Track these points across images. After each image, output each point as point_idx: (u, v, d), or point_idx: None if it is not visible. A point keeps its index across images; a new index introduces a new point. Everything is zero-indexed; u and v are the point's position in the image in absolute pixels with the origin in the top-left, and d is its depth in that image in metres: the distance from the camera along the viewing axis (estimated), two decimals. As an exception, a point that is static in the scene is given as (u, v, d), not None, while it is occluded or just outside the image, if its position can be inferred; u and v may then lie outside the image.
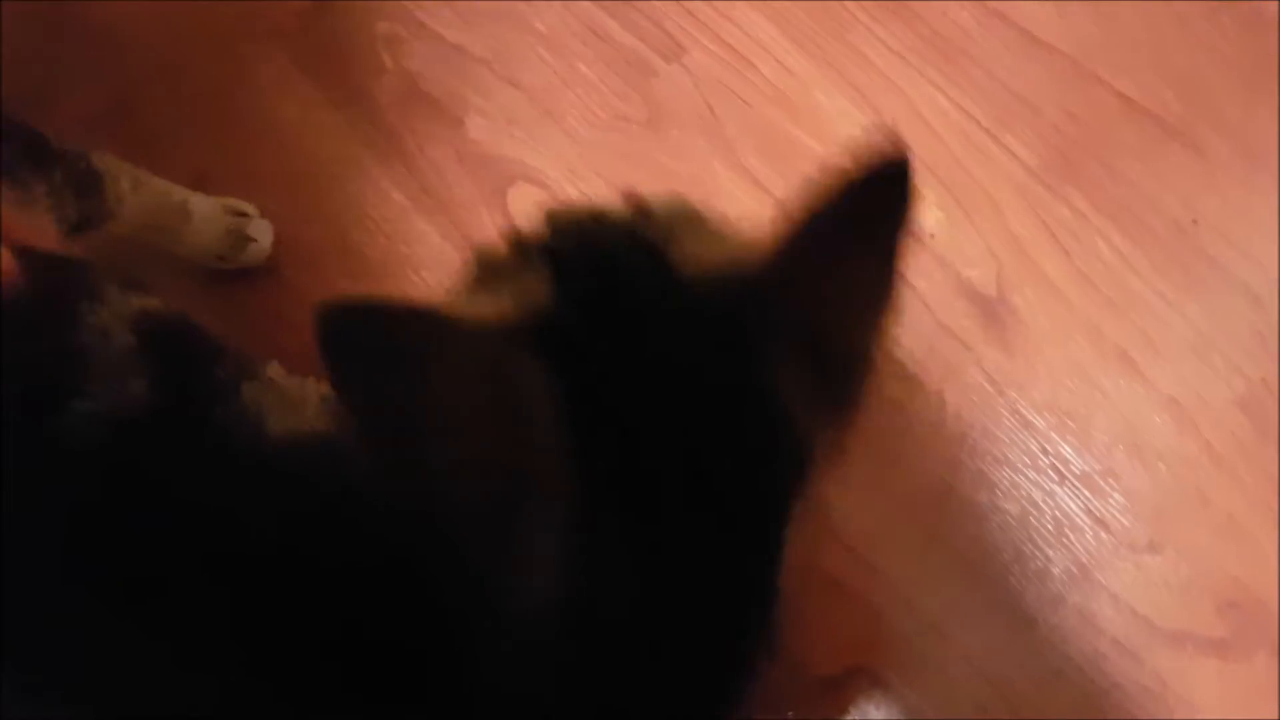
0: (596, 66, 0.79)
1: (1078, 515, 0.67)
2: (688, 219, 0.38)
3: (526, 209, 0.75)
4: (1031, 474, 0.68)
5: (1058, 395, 0.70)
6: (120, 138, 0.77)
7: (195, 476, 0.35)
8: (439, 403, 0.30)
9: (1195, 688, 0.63)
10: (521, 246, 0.37)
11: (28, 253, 0.41)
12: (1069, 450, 0.68)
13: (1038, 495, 0.67)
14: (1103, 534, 0.67)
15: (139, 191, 0.58)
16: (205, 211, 0.66)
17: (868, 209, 0.33)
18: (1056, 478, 0.68)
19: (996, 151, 0.77)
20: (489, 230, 0.75)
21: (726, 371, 0.34)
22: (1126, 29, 0.81)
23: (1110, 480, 0.68)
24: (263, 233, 0.69)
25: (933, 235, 0.74)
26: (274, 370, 0.41)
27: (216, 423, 0.37)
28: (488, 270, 0.37)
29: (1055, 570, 0.66)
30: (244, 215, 0.69)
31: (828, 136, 0.76)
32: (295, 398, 0.39)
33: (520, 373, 0.31)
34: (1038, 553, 0.66)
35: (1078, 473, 0.68)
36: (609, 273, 0.35)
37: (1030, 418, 0.69)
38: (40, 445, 0.34)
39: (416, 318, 0.29)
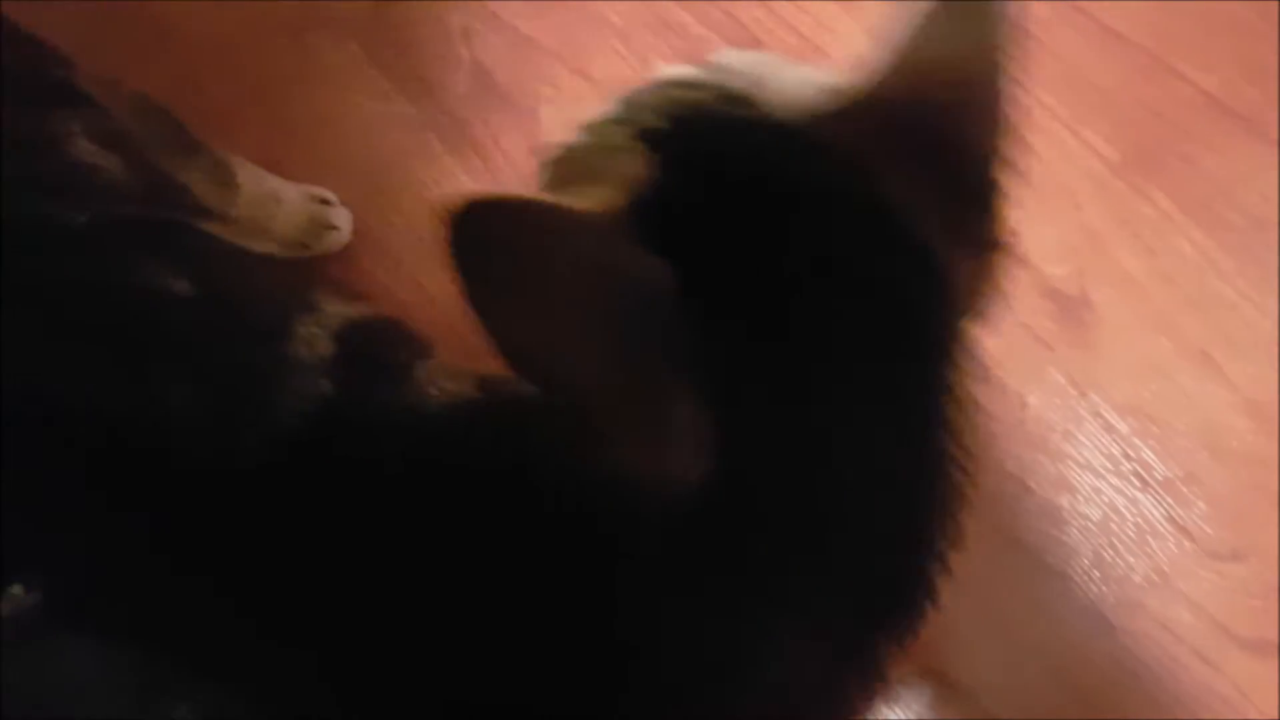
0: (670, 58, 0.78)
1: (1160, 523, 0.66)
2: (769, 66, 0.36)
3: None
4: (1113, 479, 0.67)
5: (1139, 397, 0.68)
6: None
7: (376, 448, 0.37)
8: (564, 294, 0.29)
9: (1275, 696, 0.62)
10: (603, 130, 0.35)
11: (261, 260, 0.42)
12: (1151, 455, 0.67)
13: (1120, 501, 0.66)
14: (1186, 542, 0.65)
15: (247, 181, 0.58)
16: (291, 198, 0.67)
17: (964, 33, 0.31)
18: (1139, 484, 0.67)
19: (1077, 147, 0.75)
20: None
21: (854, 213, 0.32)
22: (1207, 23, 0.79)
23: (1193, 486, 0.66)
24: (343, 220, 0.70)
25: (1014, 233, 0.72)
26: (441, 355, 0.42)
27: (393, 401, 0.39)
28: (566, 167, 0.36)
29: (1136, 577, 0.65)
30: (326, 203, 0.70)
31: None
32: (457, 373, 0.40)
33: (639, 257, 0.30)
34: (1119, 559, 0.65)
35: (1160, 479, 0.67)
36: (705, 133, 0.33)
37: (1112, 421, 0.68)
38: (242, 449, 0.35)
39: (538, 210, 0.29)
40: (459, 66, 0.80)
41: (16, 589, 0.31)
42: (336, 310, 0.41)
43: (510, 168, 0.77)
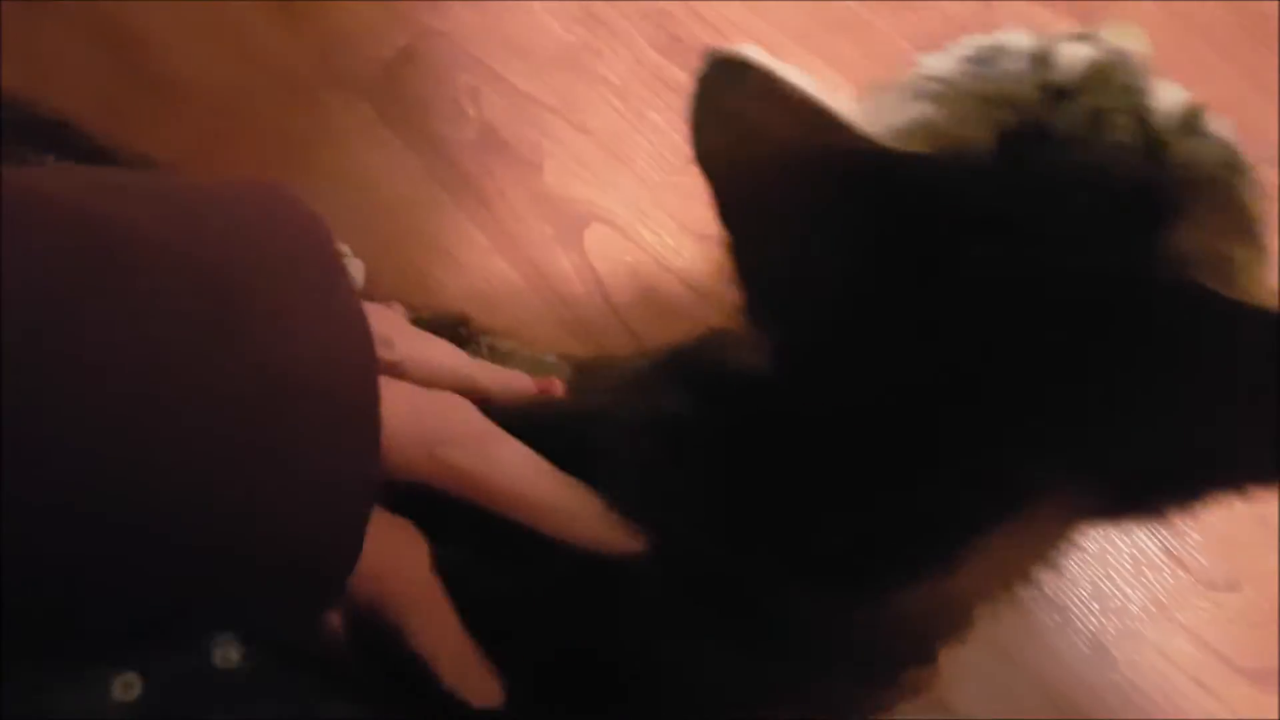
0: (666, 114, 0.82)
1: (1155, 554, 0.67)
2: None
3: (601, 249, 0.78)
4: (1107, 509, 0.68)
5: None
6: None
7: None
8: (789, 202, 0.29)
9: (1276, 727, 0.63)
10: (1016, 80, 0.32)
11: None
12: (1143, 486, 0.69)
13: (1114, 533, 0.68)
14: (1180, 572, 0.67)
15: None
16: (305, 252, 0.69)
17: None
18: (1132, 514, 0.68)
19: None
20: (565, 269, 0.77)
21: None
22: (1174, 65, 0.83)
23: (1186, 517, 0.68)
24: (356, 270, 0.72)
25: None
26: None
27: None
28: (938, 85, 0.33)
29: (1133, 608, 0.66)
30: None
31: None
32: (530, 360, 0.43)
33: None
34: (1116, 590, 0.66)
35: (1153, 509, 0.68)
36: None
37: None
38: None
39: (799, 102, 0.28)
40: (465, 124, 0.83)
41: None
42: None
43: (514, 219, 0.79)
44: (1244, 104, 0.81)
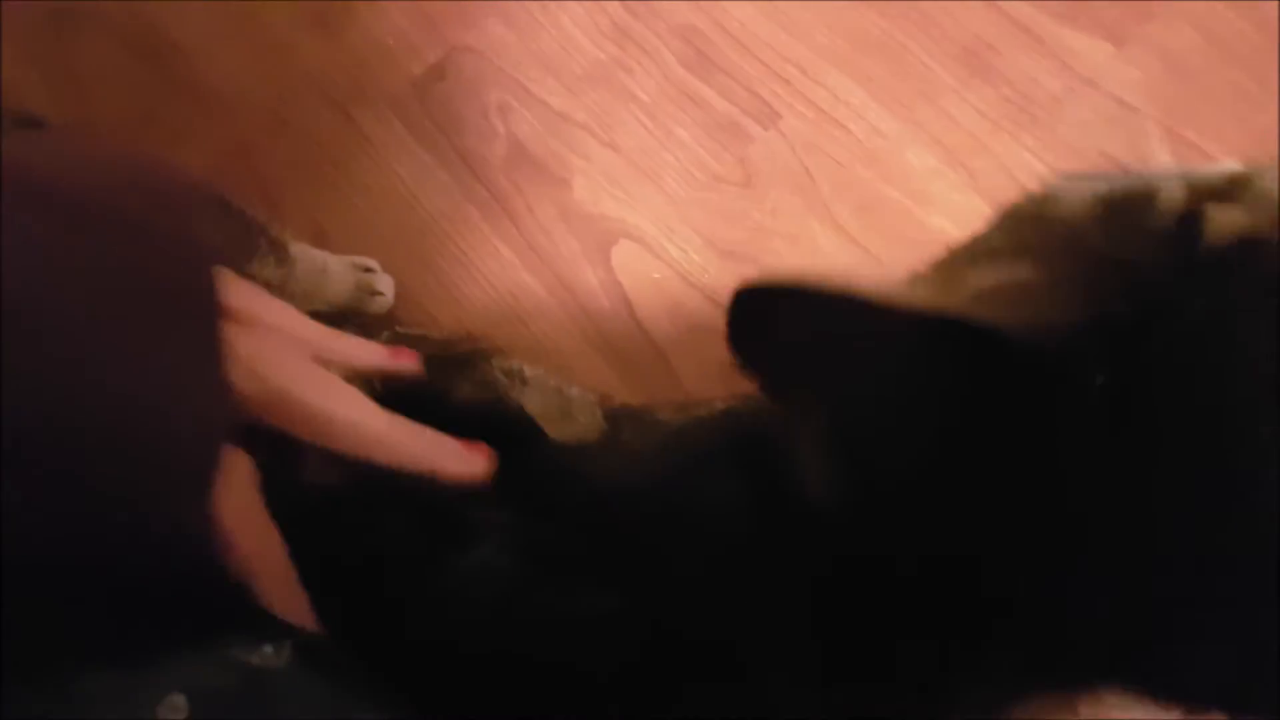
0: (694, 131, 0.83)
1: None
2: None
3: (627, 264, 0.78)
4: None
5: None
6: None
7: None
8: (870, 383, 0.28)
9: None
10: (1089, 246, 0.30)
11: None
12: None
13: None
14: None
15: (299, 258, 0.62)
16: (337, 268, 0.70)
17: None
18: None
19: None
20: (591, 284, 0.78)
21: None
22: (1211, 92, 0.82)
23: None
24: (386, 285, 0.74)
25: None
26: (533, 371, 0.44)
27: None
28: (1008, 242, 0.32)
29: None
30: (370, 270, 0.73)
31: (919, 194, 0.78)
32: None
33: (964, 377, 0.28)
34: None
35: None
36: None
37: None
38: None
39: (842, 303, 0.28)
40: (495, 140, 0.84)
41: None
42: None
43: (543, 234, 0.80)
44: (1248, 104, 0.80)
